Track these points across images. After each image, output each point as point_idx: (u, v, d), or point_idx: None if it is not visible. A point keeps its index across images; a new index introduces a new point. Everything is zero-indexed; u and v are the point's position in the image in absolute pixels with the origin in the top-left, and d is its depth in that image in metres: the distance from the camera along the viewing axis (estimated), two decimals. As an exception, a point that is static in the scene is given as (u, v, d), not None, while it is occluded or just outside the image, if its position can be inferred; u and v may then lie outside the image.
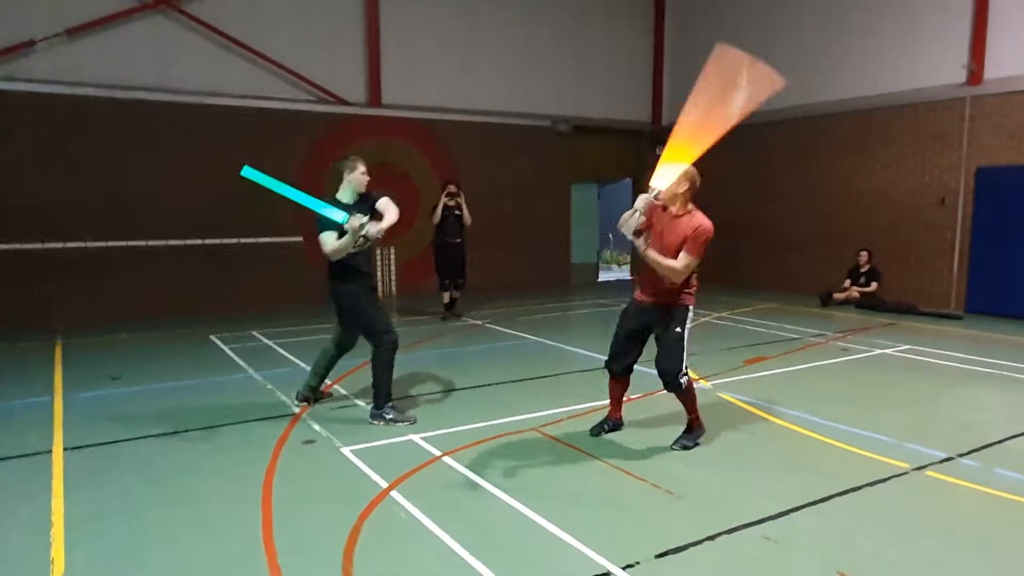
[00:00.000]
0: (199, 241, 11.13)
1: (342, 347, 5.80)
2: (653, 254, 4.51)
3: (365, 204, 5.24)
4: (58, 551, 3.40)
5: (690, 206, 4.65)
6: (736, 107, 4.16)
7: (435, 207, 10.11)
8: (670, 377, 4.74)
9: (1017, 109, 10.10)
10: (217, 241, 11.27)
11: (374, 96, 12.63)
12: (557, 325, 10.08)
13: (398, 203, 5.31)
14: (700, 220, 4.58)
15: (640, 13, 15.52)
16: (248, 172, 5.04)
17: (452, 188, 10.18)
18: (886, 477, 4.34)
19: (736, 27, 14.11)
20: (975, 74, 10.49)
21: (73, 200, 10.20)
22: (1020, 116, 10.09)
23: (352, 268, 5.27)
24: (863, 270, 11.56)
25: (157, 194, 10.77)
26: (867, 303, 11.16)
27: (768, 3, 13.48)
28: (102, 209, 10.40)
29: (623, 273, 17.41)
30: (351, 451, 4.75)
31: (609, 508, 3.93)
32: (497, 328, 9.60)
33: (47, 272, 10.08)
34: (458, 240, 10.14)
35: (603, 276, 16.55)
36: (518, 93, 14.07)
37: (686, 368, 4.77)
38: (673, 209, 4.63)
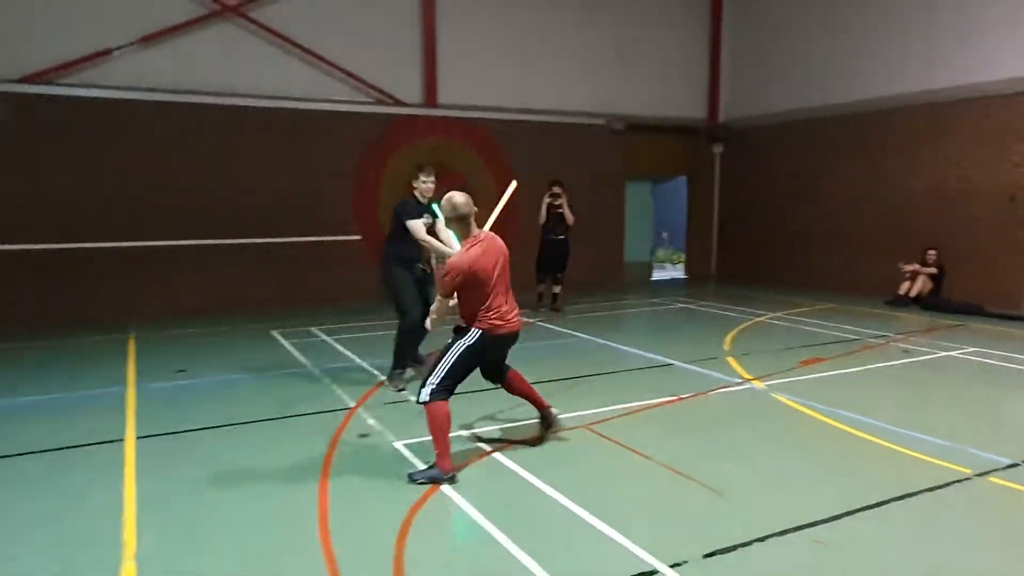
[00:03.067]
0: (261, 240, 11.52)
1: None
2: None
3: (429, 209, 6.41)
4: (129, 533, 3.61)
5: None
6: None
7: (540, 207, 10.72)
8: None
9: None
10: (278, 240, 11.64)
11: (430, 97, 12.82)
12: (609, 323, 10.07)
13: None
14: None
15: (696, 10, 15.30)
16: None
17: (557, 189, 10.69)
18: (946, 483, 4.22)
19: (795, 20, 13.81)
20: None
21: (145, 201, 10.67)
22: (1101, 108, 9.60)
23: (399, 255, 6.28)
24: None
25: (223, 194, 11.17)
26: (932, 303, 10.78)
27: (829, -5, 13.14)
28: (171, 209, 10.85)
29: (677, 272, 17.21)
30: (403, 445, 4.87)
31: (657, 506, 3.94)
32: (548, 326, 9.64)
33: (121, 270, 10.58)
34: (561, 237, 10.65)
35: (656, 275, 16.40)
36: (573, 92, 14.07)
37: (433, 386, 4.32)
38: None
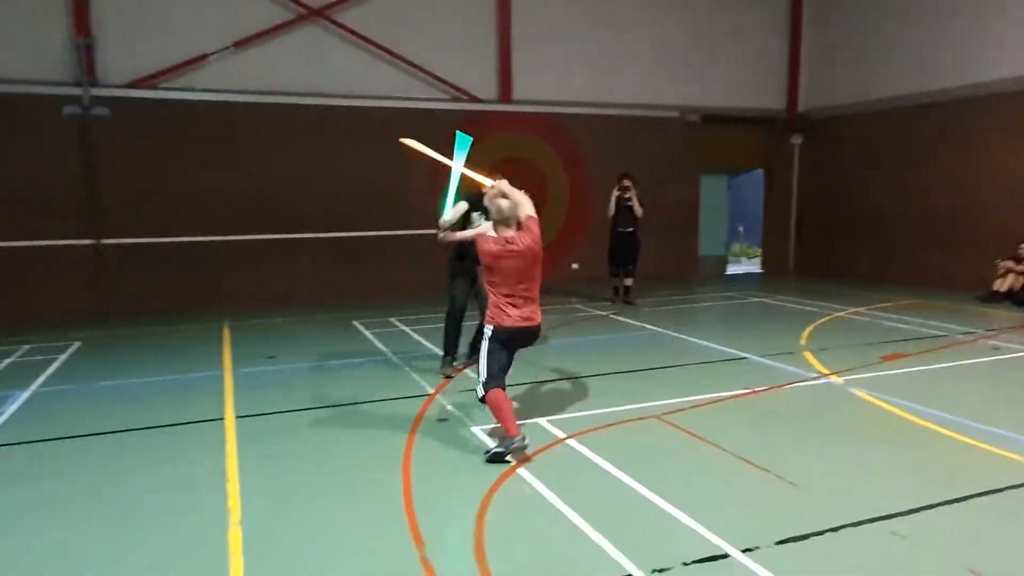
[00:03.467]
0: (345, 234, 12.01)
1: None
2: None
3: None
4: (234, 501, 3.94)
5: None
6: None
7: (609, 200, 10.83)
8: None
9: None
10: (361, 234, 12.11)
11: (505, 92, 13.02)
12: (682, 317, 10.05)
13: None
14: None
15: (775, -2, 14.98)
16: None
17: (626, 182, 10.76)
18: (1032, 481, 4.12)
19: (879, 5, 13.33)
20: None
21: (237, 197, 11.30)
22: None
23: (459, 252, 6.46)
24: (1024, 266, 10.63)
25: (308, 190, 11.72)
26: (1026, 299, 10.28)
27: (918, -21, 12.62)
28: (261, 205, 11.45)
29: (752, 266, 16.89)
30: (481, 430, 5.08)
31: (729, 494, 4.01)
32: (621, 319, 9.71)
33: (217, 262, 11.26)
34: (630, 230, 10.73)
35: (731, 269, 16.15)
36: (647, 85, 14.02)
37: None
38: None
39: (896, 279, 12.85)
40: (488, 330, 4.69)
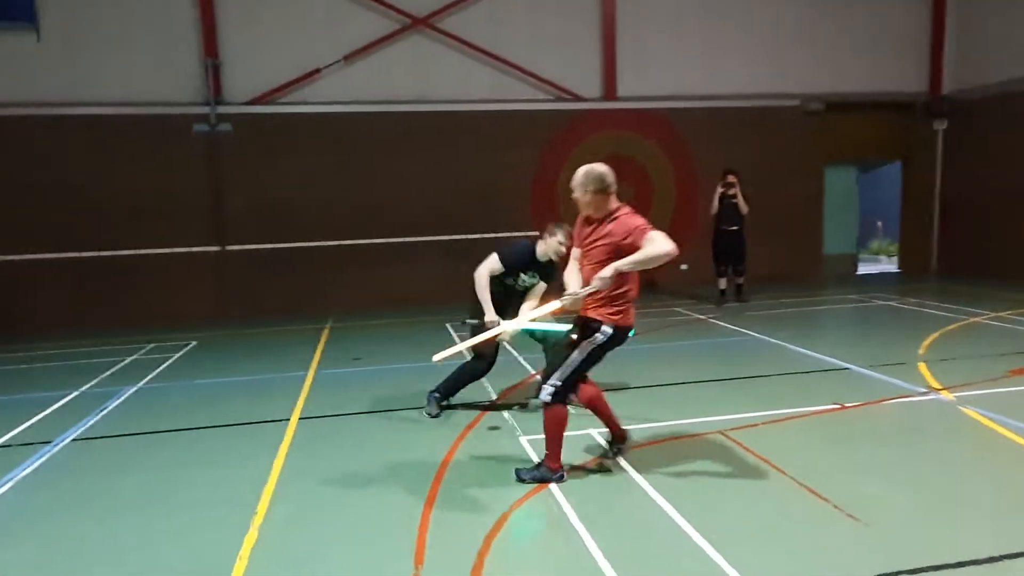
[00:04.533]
0: (448, 236, 12.20)
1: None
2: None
3: (543, 268, 5.39)
4: (263, 503, 4.04)
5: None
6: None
7: (713, 197, 10.49)
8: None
9: None
10: (463, 236, 12.25)
11: (609, 90, 12.70)
12: (788, 321, 9.30)
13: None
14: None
15: (914, -33, 13.55)
16: None
17: (731, 178, 10.38)
18: None
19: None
20: None
21: (347, 203, 11.81)
22: None
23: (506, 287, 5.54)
24: None
25: (414, 194, 12.03)
26: None
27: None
28: (370, 209, 11.89)
29: (890, 266, 15.42)
30: (528, 440, 4.92)
31: (771, 527, 3.58)
32: (720, 323, 9.14)
33: (328, 266, 11.82)
34: (735, 227, 10.36)
35: (863, 269, 14.82)
36: (762, 73, 13.15)
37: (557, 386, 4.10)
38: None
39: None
40: (608, 329, 4.10)
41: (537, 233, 5.53)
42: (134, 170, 11.12)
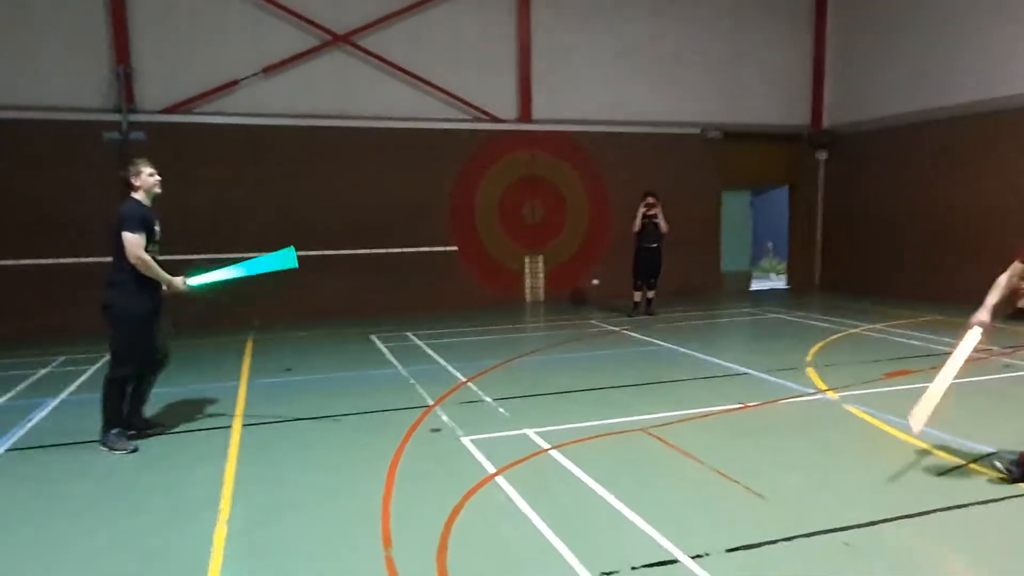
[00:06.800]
0: (367, 251, 12.39)
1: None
2: None
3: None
4: (225, 502, 4.22)
5: None
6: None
7: (634, 216, 11.26)
8: None
9: None
10: (384, 251, 12.48)
11: (524, 112, 13.31)
12: (694, 333, 10.11)
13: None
14: None
15: (799, 14, 14.97)
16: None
17: (651, 200, 11.21)
18: (1003, 497, 4.15)
19: (902, 22, 13.26)
20: None
21: (266, 215, 11.78)
22: None
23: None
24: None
25: (333, 208, 12.15)
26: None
27: (940, -7, 12.54)
28: (287, 222, 11.90)
29: (780, 282, 16.78)
30: (470, 440, 5.29)
31: (693, 504, 4.13)
32: (632, 334, 9.83)
33: (247, 277, 11.69)
34: (654, 245, 11.24)
35: (756, 285, 16.08)
36: (667, 102, 14.15)
37: None
38: None
39: (923, 295, 12.66)
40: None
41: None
42: (39, 177, 10.72)
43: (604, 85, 13.75)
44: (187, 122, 11.47)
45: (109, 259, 5.27)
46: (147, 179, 5.51)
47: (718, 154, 14.41)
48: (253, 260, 5.89)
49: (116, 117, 11.08)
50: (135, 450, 5.18)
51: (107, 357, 5.36)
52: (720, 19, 14.34)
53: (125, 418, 5.33)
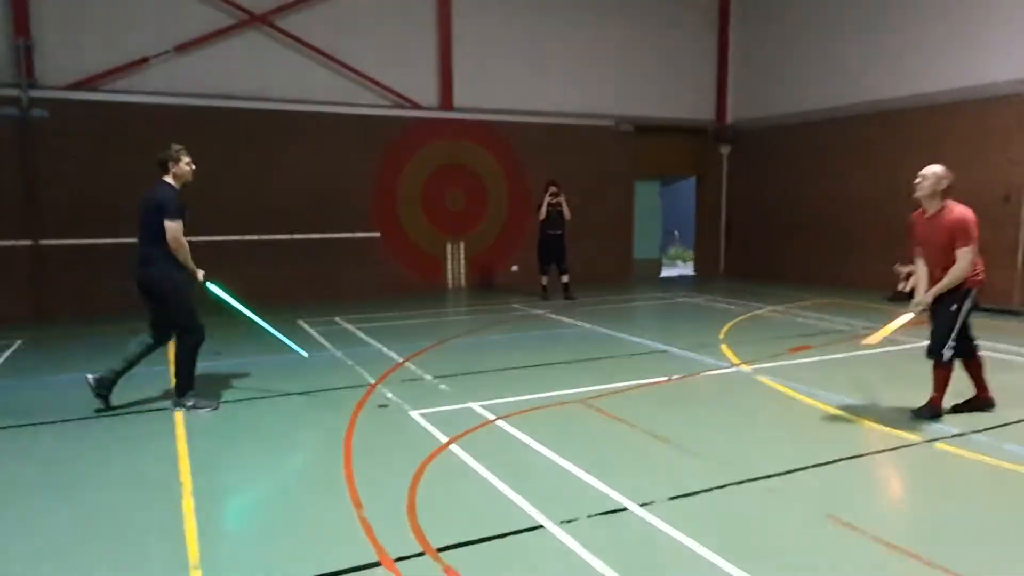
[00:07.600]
0: (290, 236, 12.24)
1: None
2: (935, 289, 5.22)
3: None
4: (185, 476, 4.27)
5: (944, 203, 5.35)
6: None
7: (539, 205, 11.75)
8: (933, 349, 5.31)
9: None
10: (305, 236, 12.36)
11: (446, 100, 13.46)
12: (614, 315, 10.65)
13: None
14: (958, 212, 5.21)
15: (704, 12, 15.81)
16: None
17: (554, 188, 11.74)
18: (895, 447, 4.77)
19: (802, 23, 14.27)
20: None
21: (184, 199, 11.39)
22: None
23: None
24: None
25: (252, 193, 11.92)
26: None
27: None
28: (204, 207, 11.55)
29: (687, 269, 17.72)
30: (419, 414, 5.51)
31: (635, 462, 4.54)
32: (556, 317, 10.25)
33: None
34: (559, 232, 11.79)
35: (666, 272, 16.92)
36: (583, 95, 14.65)
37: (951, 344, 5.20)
38: (930, 211, 5.38)
39: (819, 280, 13.75)
40: (972, 294, 5.19)
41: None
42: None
43: (522, 75, 14.08)
44: (94, 100, 10.96)
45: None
46: (184, 167, 5.97)
47: (630, 145, 15.06)
48: (274, 328, 6.57)
49: (14, 92, 10.47)
50: (217, 407, 5.67)
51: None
52: (637, 15, 14.95)
53: (107, 381, 5.59)
